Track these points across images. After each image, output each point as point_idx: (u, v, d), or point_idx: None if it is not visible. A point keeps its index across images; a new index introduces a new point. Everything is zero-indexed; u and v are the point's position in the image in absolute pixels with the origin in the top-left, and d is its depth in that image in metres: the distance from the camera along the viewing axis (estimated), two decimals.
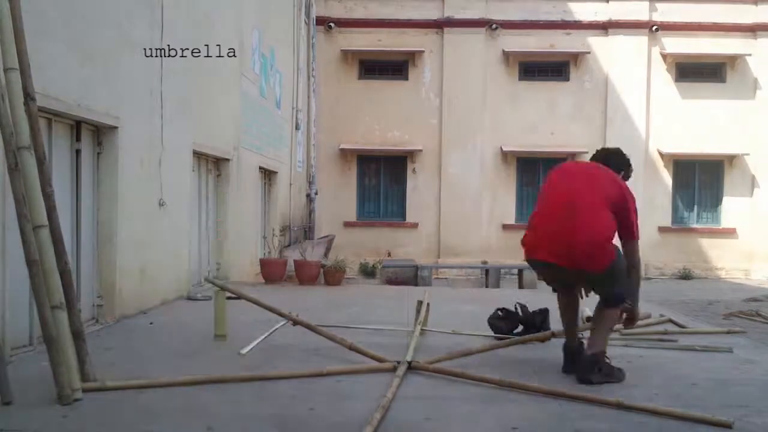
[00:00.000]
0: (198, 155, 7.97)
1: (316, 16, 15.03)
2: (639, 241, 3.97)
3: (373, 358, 4.15)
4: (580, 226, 3.72)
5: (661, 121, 15.59)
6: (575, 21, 15.55)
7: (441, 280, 13.79)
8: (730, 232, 15.41)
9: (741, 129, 15.45)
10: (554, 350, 4.63)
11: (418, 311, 5.19)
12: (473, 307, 6.56)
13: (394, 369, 3.93)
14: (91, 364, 3.59)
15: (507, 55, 15.52)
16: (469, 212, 15.57)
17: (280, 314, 4.58)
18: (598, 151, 4.49)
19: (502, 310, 5.09)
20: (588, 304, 6.68)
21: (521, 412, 3.29)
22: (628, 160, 4.44)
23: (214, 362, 4.28)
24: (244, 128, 9.62)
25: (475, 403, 3.42)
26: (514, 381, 3.66)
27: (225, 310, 4.98)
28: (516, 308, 5.11)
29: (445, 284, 12.88)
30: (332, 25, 15.58)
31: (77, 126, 5.27)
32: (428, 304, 5.25)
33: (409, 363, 4.04)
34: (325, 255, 12.06)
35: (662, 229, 15.47)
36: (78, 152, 5.31)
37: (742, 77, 15.52)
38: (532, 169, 15.85)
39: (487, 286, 12.22)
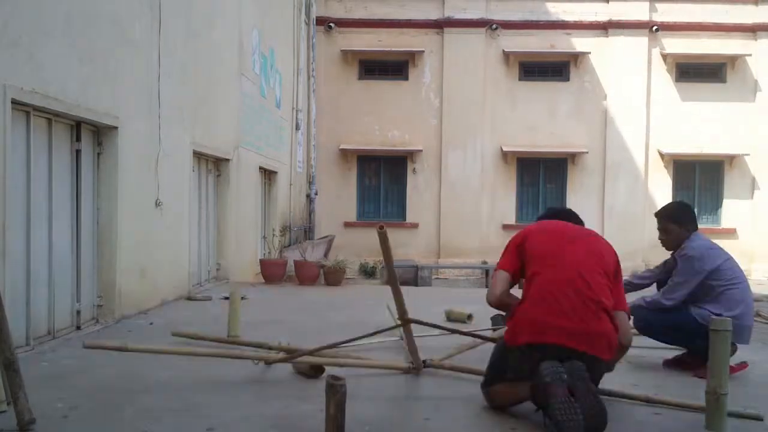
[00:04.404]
0: (198, 155, 7.97)
1: (316, 16, 15.03)
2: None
3: (382, 366, 4.10)
4: None
5: (661, 122, 15.57)
6: (575, 21, 15.53)
7: (441, 280, 13.79)
8: (730, 233, 15.39)
9: (741, 129, 15.42)
10: None
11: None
12: (473, 308, 6.56)
13: (408, 371, 3.96)
14: (26, 399, 2.88)
15: (507, 55, 15.51)
16: (469, 212, 15.56)
17: (270, 347, 4.55)
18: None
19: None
20: None
21: (521, 413, 3.28)
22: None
23: (214, 363, 4.27)
24: (244, 128, 9.62)
25: (476, 404, 3.41)
26: None
27: (239, 311, 4.96)
28: None
29: (446, 284, 12.88)
30: (332, 25, 15.57)
31: (77, 126, 5.27)
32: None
33: (424, 362, 4.03)
34: (325, 255, 12.07)
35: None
36: (78, 152, 5.31)
37: (742, 78, 15.51)
38: (532, 169, 15.84)
39: (487, 286, 12.20)
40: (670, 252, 4.39)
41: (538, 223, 3.55)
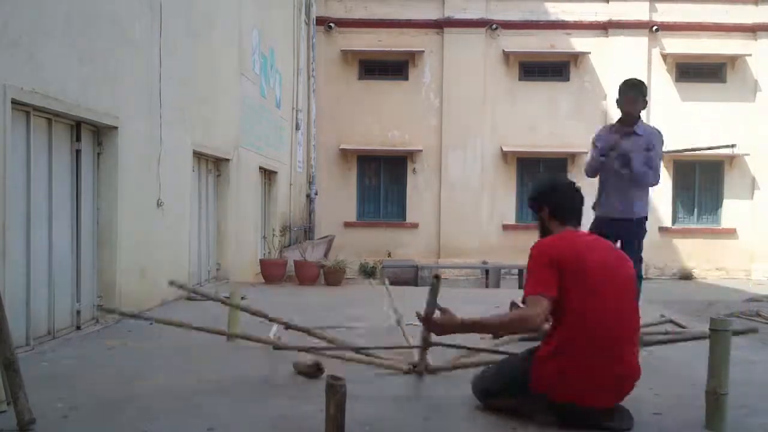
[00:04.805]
0: (198, 155, 7.97)
1: (316, 16, 15.03)
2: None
3: (381, 365, 4.08)
4: None
5: (661, 122, 15.52)
6: (575, 21, 15.54)
7: (441, 280, 13.76)
8: (730, 233, 15.39)
9: (741, 129, 15.42)
10: None
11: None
12: (473, 307, 6.55)
13: (408, 371, 3.96)
14: (26, 399, 2.90)
15: (507, 55, 15.51)
16: (469, 212, 15.57)
17: (272, 320, 4.51)
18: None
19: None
20: None
21: (521, 413, 3.28)
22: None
23: (214, 363, 4.28)
24: (244, 128, 9.62)
25: (476, 404, 3.41)
26: None
27: (239, 310, 4.96)
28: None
29: (446, 284, 12.87)
30: (332, 25, 15.58)
31: (77, 126, 5.27)
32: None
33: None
34: (325, 255, 12.07)
35: (663, 230, 15.46)
36: (78, 152, 5.31)
37: (742, 78, 15.51)
38: (532, 169, 15.84)
39: (487, 287, 12.23)
40: (630, 125, 5.03)
41: (575, 243, 2.99)
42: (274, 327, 4.31)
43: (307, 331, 4.28)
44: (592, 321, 2.82)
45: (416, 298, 7.78)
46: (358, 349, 4.09)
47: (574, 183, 3.27)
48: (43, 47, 4.50)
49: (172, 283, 4.46)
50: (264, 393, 3.58)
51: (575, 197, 3.19)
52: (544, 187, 3.27)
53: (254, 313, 4.39)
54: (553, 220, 3.16)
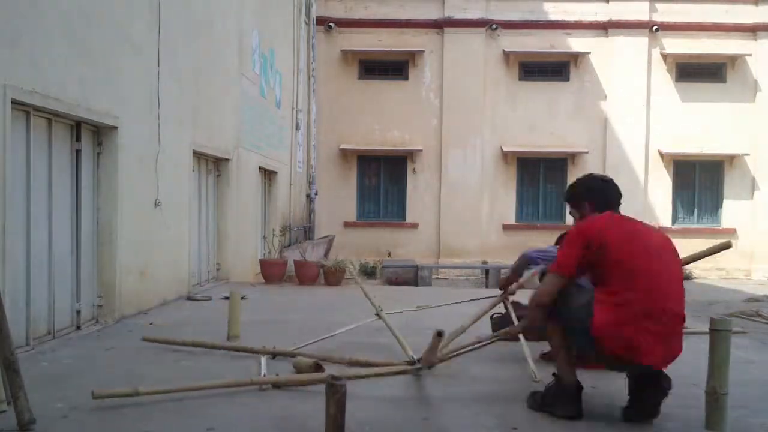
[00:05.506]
0: (198, 155, 7.97)
1: (316, 16, 15.03)
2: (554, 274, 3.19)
3: (376, 365, 4.06)
4: None
5: (661, 122, 15.57)
6: (575, 21, 15.54)
7: (441, 280, 13.79)
8: (730, 233, 15.37)
9: (741, 129, 15.43)
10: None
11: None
12: (473, 306, 6.54)
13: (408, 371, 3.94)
14: (26, 399, 2.91)
15: (507, 55, 15.51)
16: (469, 212, 15.57)
17: (248, 351, 4.45)
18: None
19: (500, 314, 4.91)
20: None
21: (522, 412, 3.28)
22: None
23: (214, 362, 4.27)
24: (244, 128, 9.62)
25: (476, 403, 3.41)
26: None
27: (239, 311, 4.97)
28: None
29: (446, 284, 12.89)
30: (332, 25, 15.58)
31: (77, 126, 5.27)
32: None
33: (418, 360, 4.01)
34: (325, 255, 12.08)
35: (662, 230, 15.44)
36: (78, 152, 5.31)
37: (742, 78, 15.51)
38: (532, 169, 15.84)
39: (487, 286, 12.22)
40: None
41: (612, 222, 3.19)
42: (263, 360, 4.21)
43: (294, 355, 4.19)
44: (641, 280, 3.02)
45: (417, 297, 7.80)
46: (359, 365, 4.04)
47: (607, 178, 3.63)
48: (43, 47, 4.50)
49: (145, 339, 4.74)
50: (264, 393, 3.57)
51: (611, 189, 3.52)
52: (583, 185, 3.62)
53: (239, 350, 4.45)
54: (595, 213, 3.39)
